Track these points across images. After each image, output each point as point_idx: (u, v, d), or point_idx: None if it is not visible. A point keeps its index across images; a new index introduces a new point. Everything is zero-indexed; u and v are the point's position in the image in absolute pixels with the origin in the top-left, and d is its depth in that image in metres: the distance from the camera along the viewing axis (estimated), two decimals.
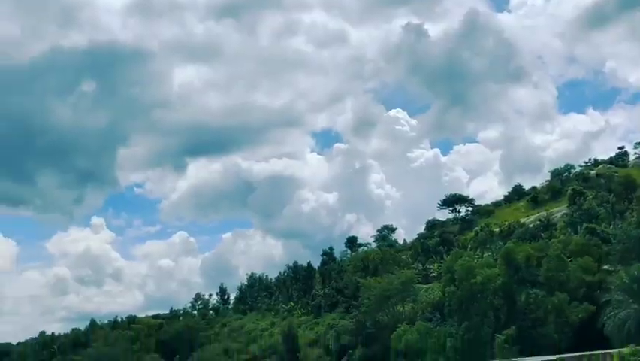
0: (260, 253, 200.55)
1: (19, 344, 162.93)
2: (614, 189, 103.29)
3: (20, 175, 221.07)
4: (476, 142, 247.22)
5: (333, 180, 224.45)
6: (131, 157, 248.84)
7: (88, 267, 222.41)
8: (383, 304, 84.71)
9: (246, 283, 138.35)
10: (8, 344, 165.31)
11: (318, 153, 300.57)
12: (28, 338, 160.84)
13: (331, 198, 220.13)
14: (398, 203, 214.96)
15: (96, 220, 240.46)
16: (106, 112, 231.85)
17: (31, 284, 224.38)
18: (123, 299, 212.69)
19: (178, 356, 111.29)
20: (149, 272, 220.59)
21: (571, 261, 66.62)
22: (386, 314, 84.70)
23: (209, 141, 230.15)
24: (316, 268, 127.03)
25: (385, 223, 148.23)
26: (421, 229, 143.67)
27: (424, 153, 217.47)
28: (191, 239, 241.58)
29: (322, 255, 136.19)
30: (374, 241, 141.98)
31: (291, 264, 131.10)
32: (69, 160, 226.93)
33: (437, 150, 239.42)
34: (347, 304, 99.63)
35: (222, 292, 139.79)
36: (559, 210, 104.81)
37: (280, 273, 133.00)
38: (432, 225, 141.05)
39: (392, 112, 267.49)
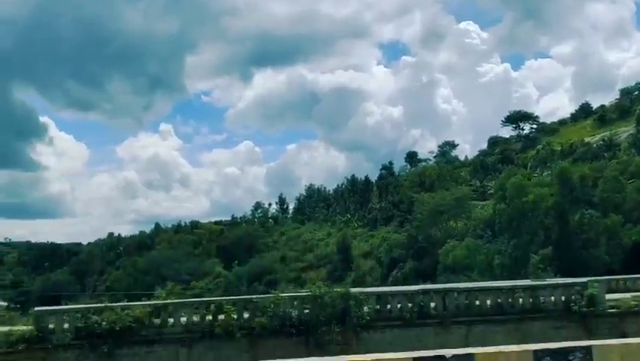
0: (323, 164, 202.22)
1: (88, 244, 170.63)
2: None
3: (91, 80, 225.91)
4: (549, 57, 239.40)
5: (398, 93, 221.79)
6: (199, 65, 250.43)
7: (156, 172, 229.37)
8: (436, 219, 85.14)
9: (304, 194, 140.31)
10: (79, 244, 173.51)
11: (385, 66, 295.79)
12: (97, 238, 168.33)
13: (396, 112, 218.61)
14: (464, 119, 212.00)
15: (164, 127, 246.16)
16: (175, 18, 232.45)
17: (101, 187, 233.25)
18: (189, 205, 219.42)
19: (237, 262, 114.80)
20: (215, 179, 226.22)
21: (630, 183, 65.15)
22: (439, 230, 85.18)
23: (275, 51, 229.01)
24: (374, 181, 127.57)
25: (450, 139, 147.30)
26: (485, 145, 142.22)
27: (494, 68, 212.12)
28: (257, 149, 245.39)
29: (381, 169, 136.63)
30: (435, 157, 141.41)
31: (354, 176, 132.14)
32: (138, 66, 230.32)
33: (507, 65, 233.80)
34: (402, 219, 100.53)
35: (282, 201, 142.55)
36: (625, 131, 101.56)
37: (338, 185, 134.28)
38: (494, 142, 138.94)
39: (462, 24, 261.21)
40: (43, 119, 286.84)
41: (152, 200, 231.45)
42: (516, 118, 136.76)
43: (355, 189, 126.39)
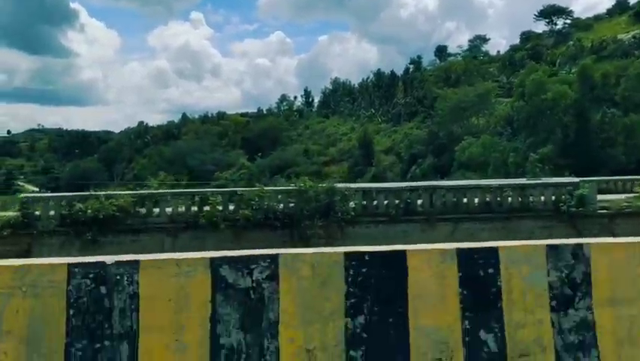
0: (354, 57, 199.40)
1: (120, 132, 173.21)
2: None
3: None
4: None
5: None
6: None
7: (187, 61, 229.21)
8: (457, 115, 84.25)
9: (330, 87, 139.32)
10: (109, 132, 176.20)
11: None
12: (127, 127, 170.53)
13: (431, 3, 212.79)
14: (501, 12, 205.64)
15: (195, 15, 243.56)
16: None
17: (133, 75, 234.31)
18: (220, 94, 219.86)
19: (260, 154, 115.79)
20: (246, 70, 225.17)
21: None
22: (460, 126, 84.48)
23: None
24: (400, 76, 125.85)
25: (485, 33, 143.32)
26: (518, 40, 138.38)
27: None
28: (288, 40, 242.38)
29: (410, 63, 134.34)
30: (464, 51, 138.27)
31: (379, 70, 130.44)
32: None
33: None
34: (425, 115, 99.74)
35: (307, 95, 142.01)
36: None
37: (363, 79, 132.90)
38: (526, 37, 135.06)
39: None
40: (74, 5, 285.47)
41: (183, 89, 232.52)
42: (549, 12, 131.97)
43: (380, 84, 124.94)
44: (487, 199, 26.41)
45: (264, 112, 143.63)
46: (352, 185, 27.87)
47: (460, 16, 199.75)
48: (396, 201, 25.51)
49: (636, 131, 59.24)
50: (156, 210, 22.65)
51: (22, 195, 22.72)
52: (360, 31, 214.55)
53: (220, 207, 23.24)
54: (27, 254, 20.08)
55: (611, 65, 65.36)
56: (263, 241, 23.05)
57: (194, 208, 23.03)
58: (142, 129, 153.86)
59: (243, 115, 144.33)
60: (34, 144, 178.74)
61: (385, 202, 25.50)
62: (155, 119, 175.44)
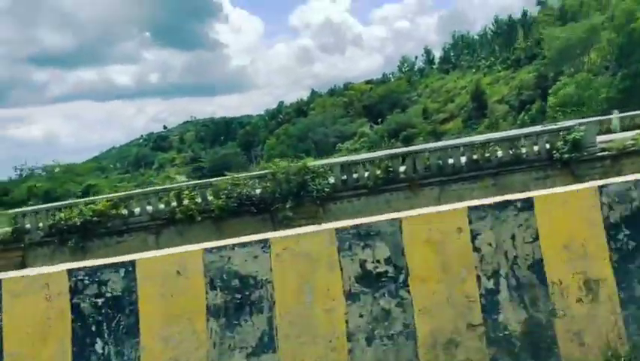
0: (496, 4, 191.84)
1: (257, 115, 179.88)
2: None
3: None
4: None
5: None
6: None
7: (330, 35, 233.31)
8: (567, 55, 79.89)
9: (450, 42, 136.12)
10: (250, 116, 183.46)
11: None
12: (267, 108, 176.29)
13: None
14: None
15: None
16: None
17: (279, 57, 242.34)
18: (364, 63, 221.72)
19: (380, 120, 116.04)
20: (387, 35, 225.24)
21: None
22: (571, 66, 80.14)
23: None
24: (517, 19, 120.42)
25: None
26: None
27: None
28: None
29: (537, 4, 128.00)
30: None
31: (497, 17, 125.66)
32: None
33: None
34: (544, 57, 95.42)
35: (427, 53, 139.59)
36: None
37: (481, 28, 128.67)
38: None
39: None
40: None
41: (327, 63, 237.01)
42: None
43: (499, 31, 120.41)
44: (475, 157, 25.96)
45: (389, 76, 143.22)
46: (330, 160, 28.40)
47: None
48: (377, 171, 25.79)
49: None
50: (137, 209, 24.62)
51: (17, 210, 25.30)
52: None
53: (199, 200, 24.79)
54: (22, 266, 22.79)
55: None
56: (246, 228, 24.43)
57: (174, 204, 24.70)
58: (274, 111, 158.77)
59: (368, 82, 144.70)
60: (183, 136, 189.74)
61: (366, 174, 25.89)
62: (298, 97, 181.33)
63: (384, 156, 26.45)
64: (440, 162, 26.03)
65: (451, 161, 26.00)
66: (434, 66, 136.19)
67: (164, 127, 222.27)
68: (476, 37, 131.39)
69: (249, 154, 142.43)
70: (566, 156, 25.22)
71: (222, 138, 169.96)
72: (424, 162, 25.96)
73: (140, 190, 27.84)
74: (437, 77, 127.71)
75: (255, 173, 27.10)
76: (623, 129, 28.18)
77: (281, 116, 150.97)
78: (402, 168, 25.98)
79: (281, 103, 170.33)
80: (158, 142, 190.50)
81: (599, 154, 25.67)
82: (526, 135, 26.54)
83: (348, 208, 25.69)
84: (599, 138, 26.35)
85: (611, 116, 27.49)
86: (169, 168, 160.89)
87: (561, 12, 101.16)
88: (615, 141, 25.85)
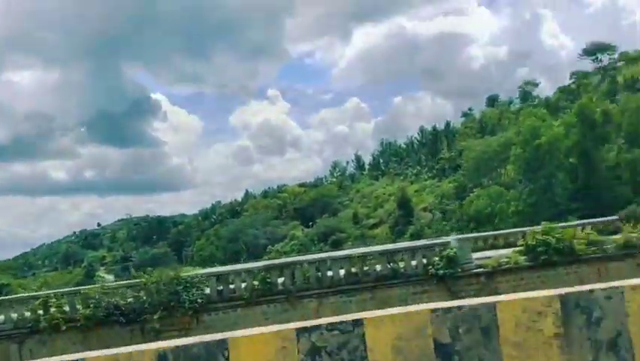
0: (431, 114, 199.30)
1: (192, 215, 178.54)
2: None
3: (197, 53, 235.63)
4: None
5: (502, 33, 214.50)
6: (298, 27, 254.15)
7: (268, 137, 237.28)
8: (483, 166, 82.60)
9: (379, 149, 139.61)
10: (184, 215, 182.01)
11: (486, 7, 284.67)
12: (201, 208, 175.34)
13: (501, 52, 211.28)
14: (573, 54, 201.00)
15: (272, 92, 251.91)
16: None
17: (218, 156, 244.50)
18: (304, 165, 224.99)
19: (312, 223, 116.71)
20: (326, 139, 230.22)
21: None
22: (488, 178, 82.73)
23: (372, 5, 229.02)
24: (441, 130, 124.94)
25: (560, 75, 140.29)
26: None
27: None
28: (363, 104, 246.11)
29: (462, 115, 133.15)
30: (516, 98, 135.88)
31: (423, 127, 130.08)
32: (241, 35, 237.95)
33: None
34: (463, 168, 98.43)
35: (357, 159, 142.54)
36: None
37: (408, 137, 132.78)
38: (576, 76, 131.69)
39: None
40: (155, 95, 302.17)
41: (266, 164, 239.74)
42: (593, 50, 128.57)
43: (425, 140, 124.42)
44: (354, 270, 26.04)
45: (323, 180, 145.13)
46: (205, 270, 28.13)
47: (532, 62, 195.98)
48: (255, 282, 25.56)
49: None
50: (1, 317, 23.70)
51: None
52: (434, 88, 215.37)
53: (67, 308, 24.04)
54: None
55: (612, 103, 63.01)
56: (114, 339, 23.67)
57: (40, 312, 23.89)
58: (209, 210, 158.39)
59: (301, 185, 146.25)
60: (115, 234, 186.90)
61: (243, 285, 25.63)
62: (234, 198, 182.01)
63: (262, 267, 26.33)
64: (319, 273, 26.00)
65: (329, 273, 26.02)
66: (364, 172, 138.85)
67: (98, 224, 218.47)
68: (403, 145, 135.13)
69: (180, 254, 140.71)
70: (441, 271, 25.57)
71: (154, 237, 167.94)
72: (303, 273, 25.89)
73: (4, 297, 26.88)
74: (367, 182, 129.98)
75: (126, 282, 26.56)
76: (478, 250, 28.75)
77: (214, 217, 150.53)
78: (280, 280, 25.83)
79: (216, 203, 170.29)
80: (90, 239, 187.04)
81: (475, 271, 26.11)
82: (404, 250, 26.88)
83: (223, 320, 25.25)
84: (476, 255, 26.83)
85: (449, 238, 28.07)
86: (98, 266, 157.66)
87: (481, 125, 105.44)
88: (492, 258, 26.35)
